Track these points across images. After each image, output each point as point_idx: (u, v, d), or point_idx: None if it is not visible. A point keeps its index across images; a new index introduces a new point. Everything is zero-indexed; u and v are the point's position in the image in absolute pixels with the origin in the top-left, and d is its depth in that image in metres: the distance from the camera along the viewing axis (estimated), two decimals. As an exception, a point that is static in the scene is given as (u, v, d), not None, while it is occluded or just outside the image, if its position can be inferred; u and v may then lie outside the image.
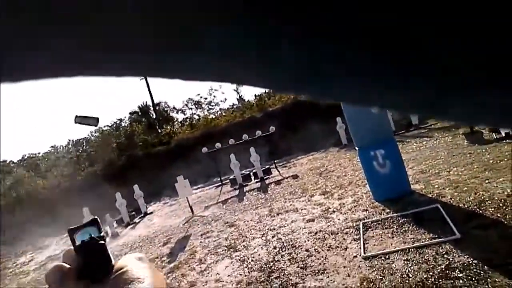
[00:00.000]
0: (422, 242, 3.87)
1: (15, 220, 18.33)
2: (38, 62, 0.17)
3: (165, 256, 6.98)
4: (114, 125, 31.93)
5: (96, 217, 0.45)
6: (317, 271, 4.10)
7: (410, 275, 3.33)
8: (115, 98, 67.91)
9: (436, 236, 3.88)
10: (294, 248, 5.02)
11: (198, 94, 31.08)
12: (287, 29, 0.15)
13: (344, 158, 11.17)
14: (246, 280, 4.54)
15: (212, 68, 0.19)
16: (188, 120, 29.19)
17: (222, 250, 6.04)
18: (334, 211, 6.09)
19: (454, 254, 3.40)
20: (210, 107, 30.33)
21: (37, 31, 0.15)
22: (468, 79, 0.15)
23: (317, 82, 0.18)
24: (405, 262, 3.60)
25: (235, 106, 29.19)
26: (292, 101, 20.29)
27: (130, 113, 31.93)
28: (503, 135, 7.50)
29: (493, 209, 4.06)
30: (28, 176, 25.18)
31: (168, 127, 26.67)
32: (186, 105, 31.00)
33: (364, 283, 3.49)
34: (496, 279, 2.83)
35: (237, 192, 11.71)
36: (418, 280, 3.20)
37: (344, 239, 4.75)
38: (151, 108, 30.09)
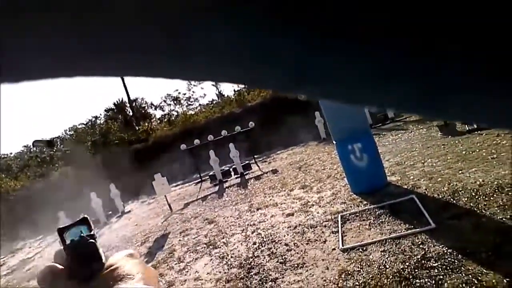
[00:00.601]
0: (399, 233, 3.91)
1: (-16, 223, 17.49)
2: (38, 63, 0.17)
3: (143, 255, 6.81)
4: (89, 123, 30.99)
5: (86, 215, 0.45)
6: (296, 265, 4.08)
7: (387, 266, 3.36)
8: (90, 95, 65.82)
9: (412, 226, 3.93)
10: (273, 243, 4.99)
11: (177, 90, 30.44)
12: (287, 29, 0.15)
13: (323, 152, 11.26)
14: (226, 277, 4.47)
15: (211, 68, 0.19)
16: (166, 116, 28.67)
17: (202, 248, 5.94)
18: (313, 205, 6.10)
19: (430, 244, 3.45)
20: (189, 103, 29.91)
21: (37, 31, 0.16)
22: (469, 79, 0.16)
23: (316, 82, 0.18)
24: (382, 253, 3.63)
25: (214, 102, 28.94)
26: (271, 95, 20.30)
27: (105, 110, 31.12)
28: (475, 126, 7.73)
29: (466, 199, 4.16)
30: (-1, 178, 24.07)
31: (146, 124, 26.11)
32: (165, 101, 30.46)
33: (343, 276, 3.49)
34: (470, 267, 2.88)
35: (216, 188, 11.61)
36: (395, 270, 3.23)
37: (323, 232, 4.76)
38: (128, 105, 29.37)
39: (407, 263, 3.27)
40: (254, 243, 5.26)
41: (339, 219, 4.91)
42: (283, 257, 4.42)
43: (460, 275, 2.85)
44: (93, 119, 31.34)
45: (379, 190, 5.52)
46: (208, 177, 13.82)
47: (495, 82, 0.15)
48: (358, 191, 5.77)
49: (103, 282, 0.39)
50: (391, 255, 3.53)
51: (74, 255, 0.41)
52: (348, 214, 5.01)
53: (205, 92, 41.56)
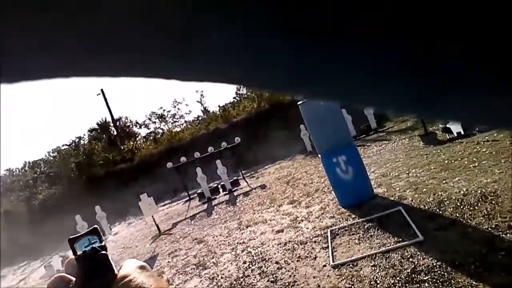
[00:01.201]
0: (388, 246, 3.92)
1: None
2: (38, 63, 0.18)
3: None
4: (73, 144, 30.34)
5: (96, 226, 0.45)
6: (287, 284, 4.02)
7: (378, 281, 3.35)
8: (73, 115, 64.76)
9: (401, 239, 3.95)
10: (264, 262, 4.92)
11: (161, 107, 30.27)
12: (286, 29, 0.15)
13: (310, 165, 11.31)
14: (216, 300, 4.37)
15: (211, 69, 0.19)
16: (151, 134, 28.37)
17: (191, 269, 5.80)
18: (302, 220, 6.08)
19: (419, 257, 3.46)
20: (174, 119, 29.69)
21: (37, 31, 0.16)
22: (469, 79, 0.16)
23: (316, 82, 0.18)
24: (373, 268, 3.62)
25: (200, 118, 28.82)
26: (256, 110, 20.42)
27: (89, 131, 30.57)
28: (455, 135, 7.94)
29: (451, 209, 4.22)
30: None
31: (131, 143, 25.77)
32: (149, 119, 30.15)
33: (335, 294, 3.45)
34: (460, 280, 2.90)
35: (205, 206, 11.46)
36: (386, 286, 3.22)
37: (313, 248, 4.73)
38: (111, 124, 28.98)
39: (397, 278, 3.27)
40: (245, 262, 5.17)
41: (329, 234, 4.89)
42: (274, 276, 4.36)
43: (450, 288, 2.86)
44: (77, 139, 30.71)
45: (366, 203, 5.55)
46: (196, 195, 13.64)
47: (495, 82, 0.15)
48: (346, 204, 5.79)
49: None
50: (381, 270, 3.52)
51: (86, 266, 0.41)
52: (337, 229, 5.01)
53: (190, 108, 41.40)
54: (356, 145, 6.17)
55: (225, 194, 12.18)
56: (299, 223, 6.00)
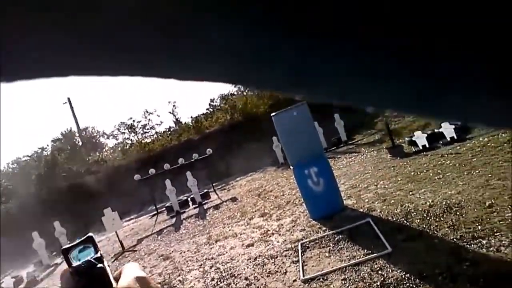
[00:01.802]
0: (358, 259, 3.88)
1: None
2: (38, 62, 0.18)
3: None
4: (35, 155, 28.69)
5: (91, 234, 0.43)
6: (257, 302, 3.87)
7: (348, 296, 3.28)
8: (36, 125, 61.59)
9: (370, 252, 3.93)
10: (233, 278, 4.73)
11: (131, 118, 29.27)
12: (286, 29, 0.15)
13: (281, 177, 11.28)
14: (181, 320, 4.12)
15: (210, 69, 0.19)
16: (120, 145, 27.38)
17: (156, 288, 5.48)
18: (273, 233, 5.96)
19: (388, 269, 3.44)
20: (145, 130, 28.87)
21: (37, 31, 0.16)
22: (469, 79, 0.16)
23: (316, 82, 0.18)
24: (343, 282, 3.55)
25: (171, 129, 28.24)
26: (229, 122, 20.31)
27: (52, 141, 29.10)
28: (420, 148, 8.21)
29: (418, 220, 4.27)
30: None
31: (97, 153, 24.74)
32: (118, 129, 29.16)
33: (305, 310, 3.34)
34: (427, 292, 2.88)
35: (173, 220, 11.07)
36: (356, 300, 3.15)
37: (283, 262, 4.61)
38: (77, 134, 27.77)
39: (367, 291, 3.21)
40: (213, 279, 4.96)
41: (299, 248, 4.80)
42: (243, 293, 4.19)
43: (419, 300, 2.83)
44: (39, 150, 29.08)
45: (337, 215, 5.54)
46: (164, 208, 13.19)
47: (495, 82, 0.15)
48: (317, 216, 5.75)
49: None
50: (351, 284, 3.46)
51: (81, 282, 0.38)
52: (308, 242, 4.93)
53: (162, 119, 40.48)
54: (327, 157, 6.18)
55: (194, 208, 11.85)
56: (270, 236, 5.88)
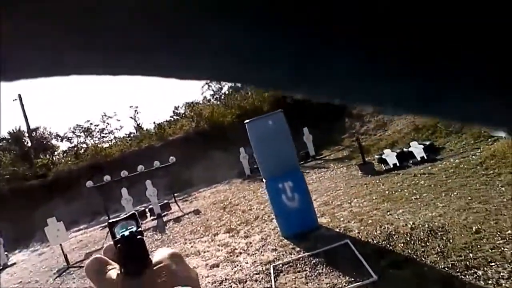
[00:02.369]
0: (339, 287, 3.47)
1: None
2: (37, 62, 0.18)
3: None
4: (-26, 154, 25.81)
5: (134, 211, 0.46)
6: (223, 337, 3.30)
7: (333, 334, 2.83)
8: (-22, 121, 56.21)
9: (353, 279, 3.53)
10: (195, 305, 4.11)
11: (88, 121, 27.36)
12: (287, 29, 0.15)
13: (248, 190, 10.78)
14: None
15: (210, 68, 0.19)
16: (74, 149, 25.39)
17: (102, 315, 4.70)
18: (241, 253, 5.42)
19: (376, 302, 3.05)
20: (102, 135, 27.06)
21: (36, 31, 0.16)
22: (468, 79, 0.16)
23: (316, 82, 0.18)
24: (325, 315, 3.11)
25: (132, 135, 26.72)
26: (194, 130, 19.56)
27: (-4, 140, 26.40)
28: (391, 166, 8.13)
29: (402, 244, 3.96)
30: None
31: (47, 156, 22.75)
32: (73, 132, 27.08)
33: None
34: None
35: (128, 232, 10.11)
36: None
37: (253, 288, 4.09)
38: (26, 134, 25.48)
39: (355, 329, 2.79)
40: (171, 306, 4.30)
41: (272, 271, 4.31)
42: (206, 326, 3.60)
43: None
44: (-20, 150, 26.21)
45: (310, 233, 5.13)
46: (119, 219, 12.11)
47: (495, 82, 0.15)
48: (289, 234, 5.30)
49: (151, 279, 0.39)
50: (335, 318, 3.02)
51: (124, 250, 0.40)
52: (281, 265, 4.45)
53: (122, 124, 38.47)
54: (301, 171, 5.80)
55: (153, 220, 10.97)
56: (237, 256, 5.33)
